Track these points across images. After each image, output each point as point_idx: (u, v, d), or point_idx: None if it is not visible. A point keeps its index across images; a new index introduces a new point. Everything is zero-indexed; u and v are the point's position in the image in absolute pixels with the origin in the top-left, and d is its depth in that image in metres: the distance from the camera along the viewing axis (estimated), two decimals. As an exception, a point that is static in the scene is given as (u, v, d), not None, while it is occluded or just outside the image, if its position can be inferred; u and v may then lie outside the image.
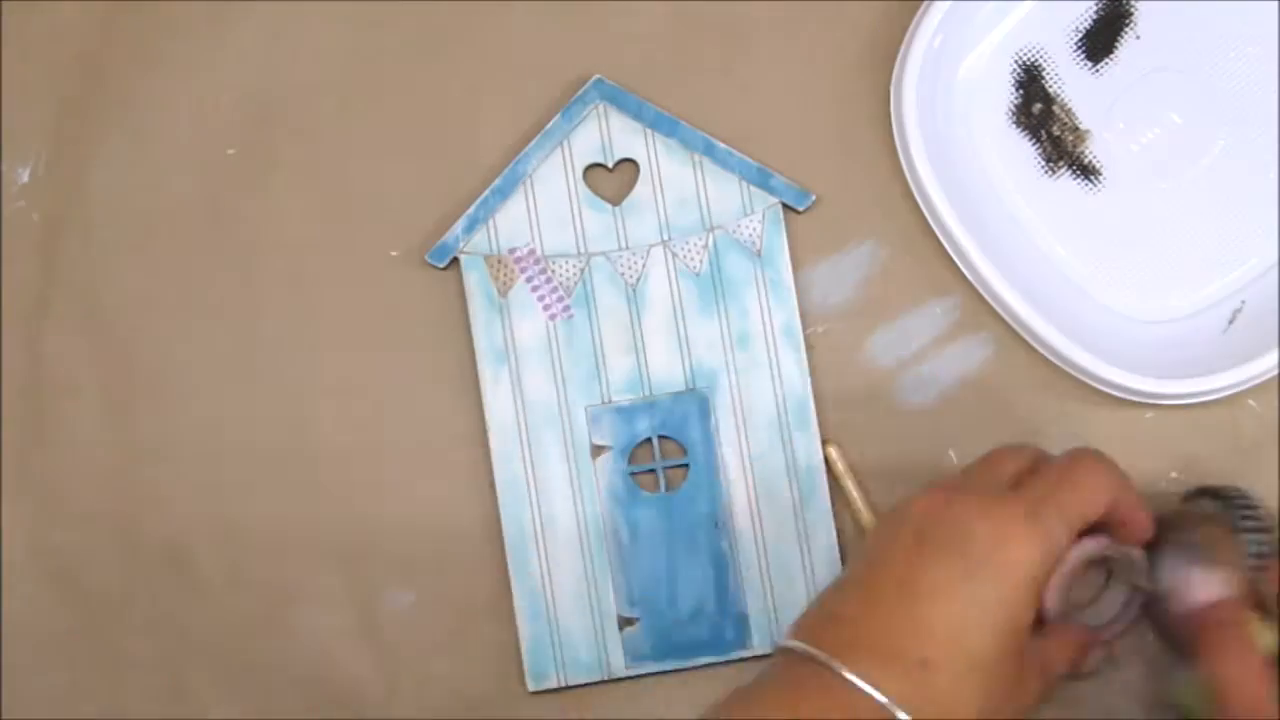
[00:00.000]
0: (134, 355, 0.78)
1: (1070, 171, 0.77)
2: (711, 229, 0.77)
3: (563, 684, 0.75)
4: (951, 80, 0.77)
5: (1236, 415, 0.76)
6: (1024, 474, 0.68)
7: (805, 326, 0.76)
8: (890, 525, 0.66)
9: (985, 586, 0.63)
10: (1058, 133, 0.77)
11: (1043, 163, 0.77)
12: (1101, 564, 0.70)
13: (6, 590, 0.77)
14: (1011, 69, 0.77)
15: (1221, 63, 0.76)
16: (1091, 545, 0.67)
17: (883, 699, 0.61)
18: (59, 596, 0.77)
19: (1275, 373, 0.74)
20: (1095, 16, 0.77)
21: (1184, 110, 0.76)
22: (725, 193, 0.77)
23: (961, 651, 0.63)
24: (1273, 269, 0.76)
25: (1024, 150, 0.77)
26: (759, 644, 0.75)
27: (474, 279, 0.77)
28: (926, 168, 0.74)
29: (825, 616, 0.65)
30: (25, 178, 0.79)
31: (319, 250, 0.78)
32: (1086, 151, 0.77)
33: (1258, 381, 0.74)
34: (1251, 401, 0.75)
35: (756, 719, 0.63)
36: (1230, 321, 0.76)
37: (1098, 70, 0.77)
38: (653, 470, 0.76)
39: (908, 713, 0.62)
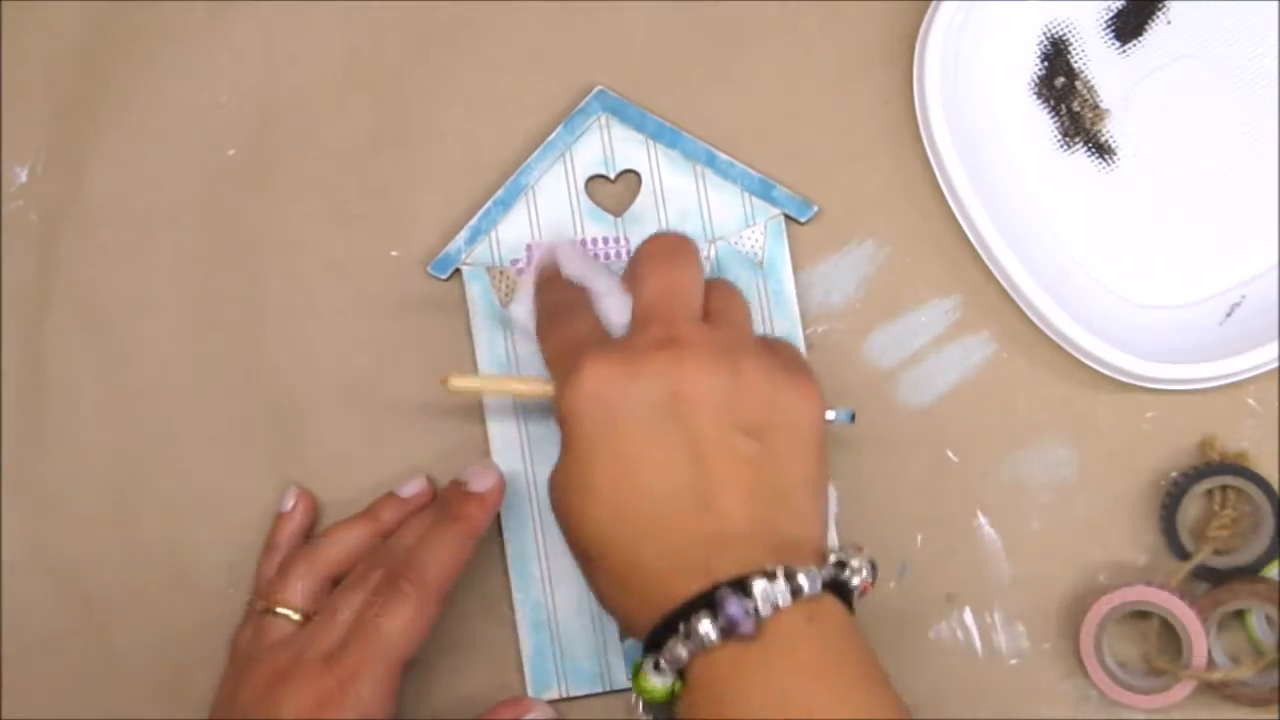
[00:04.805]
0: (134, 355, 0.78)
1: (1085, 148, 0.77)
2: (713, 240, 0.76)
3: (564, 695, 0.75)
4: (977, 46, 0.76)
5: (1236, 411, 0.76)
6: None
7: (805, 326, 0.77)
8: None
9: None
10: (1077, 108, 0.77)
11: (1059, 136, 0.77)
12: None
13: (6, 590, 0.77)
14: (1039, 40, 0.77)
15: (1249, 58, 0.76)
16: None
17: None
18: (59, 596, 0.77)
19: (1269, 367, 0.74)
20: (1130, -2, 0.77)
21: (1205, 101, 0.76)
22: (727, 204, 0.76)
23: None
24: (1273, 269, 0.76)
25: (1041, 122, 0.77)
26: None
27: (476, 290, 0.76)
28: (943, 127, 0.75)
29: None
30: (24, 178, 0.79)
31: (319, 252, 0.78)
32: (1104, 130, 0.77)
33: (1249, 375, 0.75)
34: (1251, 400, 0.76)
35: None
36: (1227, 315, 0.76)
37: (1125, 51, 0.77)
38: (655, 479, 0.76)
39: None
